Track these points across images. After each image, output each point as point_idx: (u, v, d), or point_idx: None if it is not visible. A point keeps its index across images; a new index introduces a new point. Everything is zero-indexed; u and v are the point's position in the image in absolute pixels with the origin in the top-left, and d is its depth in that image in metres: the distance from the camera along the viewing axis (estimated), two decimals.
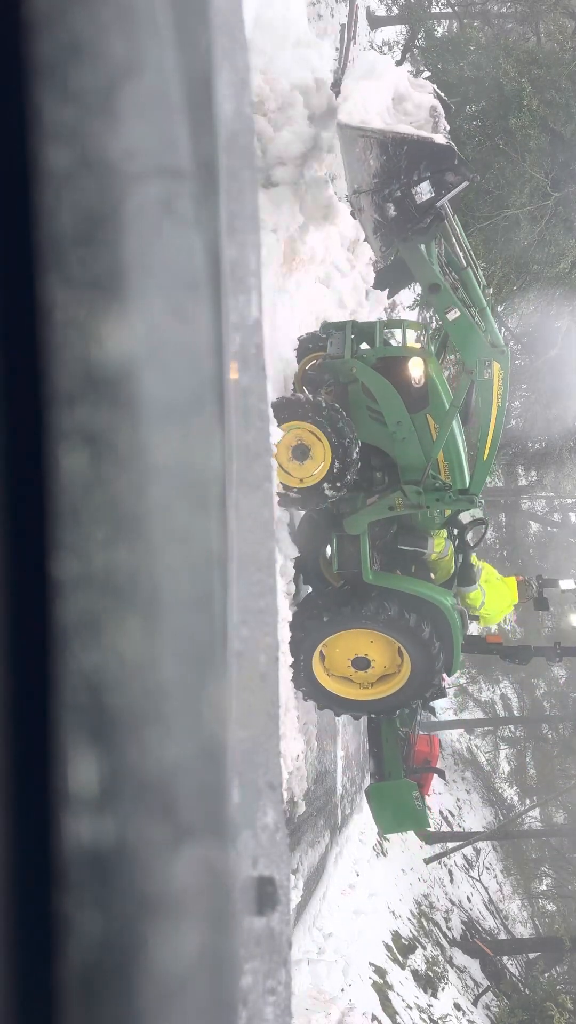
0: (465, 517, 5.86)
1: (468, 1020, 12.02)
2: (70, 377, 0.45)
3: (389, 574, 5.69)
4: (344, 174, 4.17)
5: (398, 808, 6.38)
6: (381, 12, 16.05)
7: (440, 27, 14.08)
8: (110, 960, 0.44)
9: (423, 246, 4.57)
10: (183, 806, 0.47)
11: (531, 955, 16.35)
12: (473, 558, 6.01)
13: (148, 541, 0.47)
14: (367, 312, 7.99)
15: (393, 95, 4.30)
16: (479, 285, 4.90)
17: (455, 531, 5.90)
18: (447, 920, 14.44)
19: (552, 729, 20.64)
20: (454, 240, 4.67)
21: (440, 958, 12.41)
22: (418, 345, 5.88)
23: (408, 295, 14.09)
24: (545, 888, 19.26)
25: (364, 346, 5.65)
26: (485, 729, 22.00)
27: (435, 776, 7.08)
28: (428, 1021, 10.17)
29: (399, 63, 13.10)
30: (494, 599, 6.17)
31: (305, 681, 5.86)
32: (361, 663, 5.76)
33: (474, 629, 6.55)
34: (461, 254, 4.77)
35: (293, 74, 5.51)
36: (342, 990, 7.94)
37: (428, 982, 11.07)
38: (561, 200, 9.71)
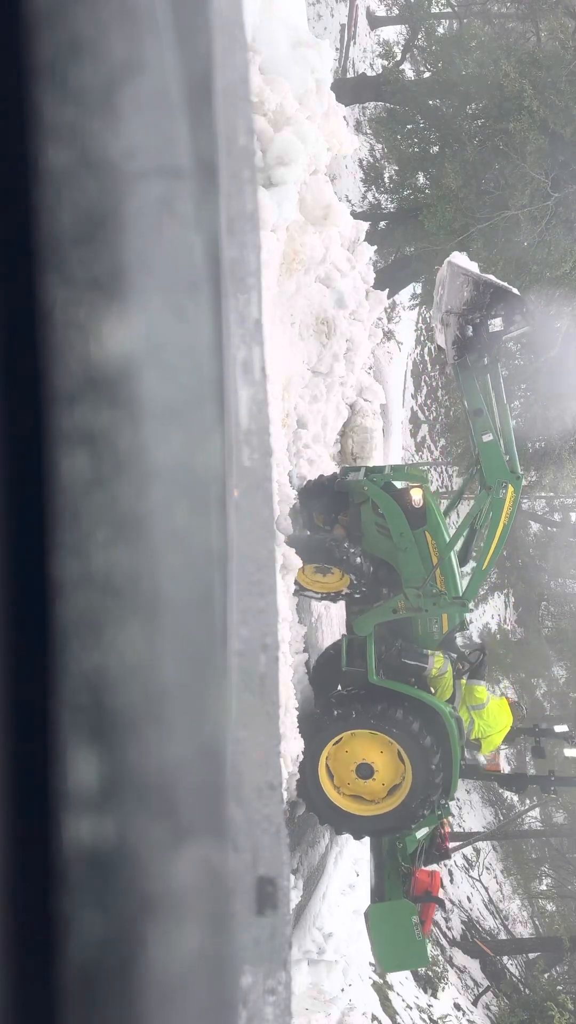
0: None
1: (468, 1020, 12.01)
2: (70, 377, 0.45)
3: (392, 679, 6.30)
4: (442, 298, 5.64)
5: (397, 935, 6.37)
6: (381, 12, 16.06)
7: (441, 27, 14.07)
8: (110, 960, 0.44)
9: (476, 377, 5.76)
10: (183, 806, 0.47)
11: (531, 955, 16.33)
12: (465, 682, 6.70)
13: (148, 541, 0.47)
14: (367, 312, 7.98)
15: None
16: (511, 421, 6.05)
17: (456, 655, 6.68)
18: (447, 920, 14.44)
19: None
20: (501, 382, 5.94)
21: (440, 958, 12.41)
22: (421, 474, 6.88)
23: (407, 294, 14.09)
24: (545, 888, 19.24)
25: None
26: None
27: (436, 908, 7.15)
28: (428, 1021, 10.17)
29: (399, 63, 13.11)
30: (492, 718, 6.64)
31: (315, 798, 6.34)
32: (365, 770, 6.23)
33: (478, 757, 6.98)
34: (504, 395, 5.97)
35: (293, 74, 5.51)
36: (342, 990, 7.94)
37: (428, 982, 11.07)
38: (561, 201, 9.71)
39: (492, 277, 5.54)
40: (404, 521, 6.17)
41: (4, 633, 0.44)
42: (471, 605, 6.32)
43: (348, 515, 6.50)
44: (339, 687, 6.70)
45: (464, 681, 6.63)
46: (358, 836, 6.64)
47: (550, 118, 9.16)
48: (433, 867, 6.90)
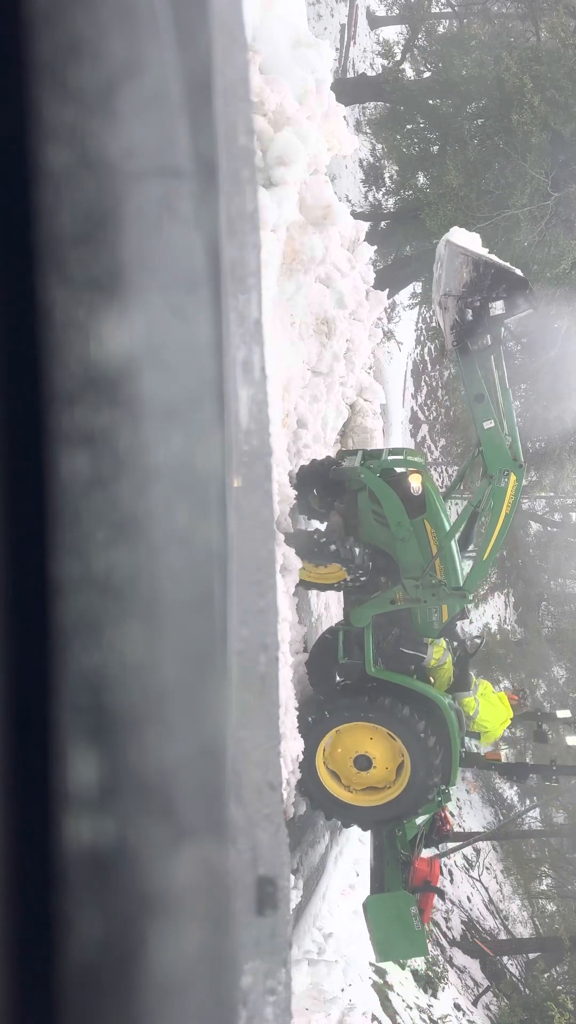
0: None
1: (468, 1020, 12.01)
2: (70, 377, 0.45)
3: (390, 671, 6.22)
4: (440, 279, 5.25)
5: (395, 925, 6.35)
6: (381, 12, 16.06)
7: (441, 27, 14.07)
8: (110, 960, 0.44)
9: (476, 362, 5.46)
10: (183, 806, 0.47)
11: (531, 955, 16.33)
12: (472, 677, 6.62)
13: (148, 541, 0.47)
14: (367, 312, 7.98)
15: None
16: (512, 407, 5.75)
17: (455, 643, 6.53)
18: (447, 920, 14.44)
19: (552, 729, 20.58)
20: (504, 364, 5.60)
21: (440, 958, 12.41)
22: (418, 459, 6.56)
23: (407, 294, 14.08)
24: (545, 888, 19.23)
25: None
26: None
27: (435, 898, 7.18)
28: (428, 1021, 10.16)
29: (399, 63, 13.11)
30: (490, 713, 6.59)
31: (312, 788, 6.30)
32: (363, 762, 6.19)
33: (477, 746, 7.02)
34: (507, 379, 5.66)
35: (293, 74, 5.51)
36: (342, 990, 7.93)
37: (428, 982, 11.06)
38: (561, 200, 9.71)
39: (494, 257, 5.18)
40: (402, 510, 5.94)
41: (4, 633, 0.44)
42: (471, 596, 6.09)
43: (344, 502, 6.29)
44: (337, 677, 6.59)
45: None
46: (364, 827, 6.60)
47: (550, 116, 9.16)
48: (433, 852, 6.90)
